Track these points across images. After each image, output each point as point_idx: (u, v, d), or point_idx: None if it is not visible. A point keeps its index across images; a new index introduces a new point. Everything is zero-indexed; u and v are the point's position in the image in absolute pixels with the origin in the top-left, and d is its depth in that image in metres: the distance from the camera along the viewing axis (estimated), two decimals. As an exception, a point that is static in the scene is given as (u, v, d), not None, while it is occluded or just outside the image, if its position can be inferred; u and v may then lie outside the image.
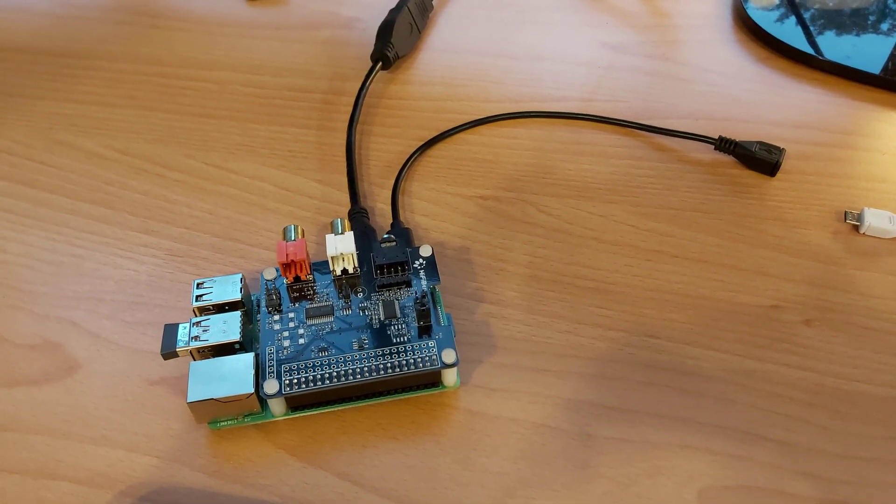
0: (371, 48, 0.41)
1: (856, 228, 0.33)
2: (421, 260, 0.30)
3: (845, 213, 0.33)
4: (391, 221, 0.33)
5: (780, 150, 0.35)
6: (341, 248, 0.28)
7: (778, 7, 0.44)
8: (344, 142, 0.37)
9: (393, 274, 0.29)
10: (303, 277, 0.29)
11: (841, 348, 0.29)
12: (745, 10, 0.44)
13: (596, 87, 0.40)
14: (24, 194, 0.35)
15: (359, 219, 0.33)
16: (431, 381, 0.27)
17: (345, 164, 0.36)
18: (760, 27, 0.42)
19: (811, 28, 0.42)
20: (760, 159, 0.35)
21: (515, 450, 0.26)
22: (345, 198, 0.35)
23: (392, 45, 0.40)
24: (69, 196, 0.35)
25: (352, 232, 0.29)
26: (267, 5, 0.47)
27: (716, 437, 0.26)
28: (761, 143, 0.35)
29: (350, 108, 0.38)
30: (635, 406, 0.27)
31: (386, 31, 0.41)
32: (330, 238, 0.29)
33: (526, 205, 0.34)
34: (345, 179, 0.35)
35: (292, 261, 0.28)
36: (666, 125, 0.37)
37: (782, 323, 0.30)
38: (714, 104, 0.39)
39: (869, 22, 0.42)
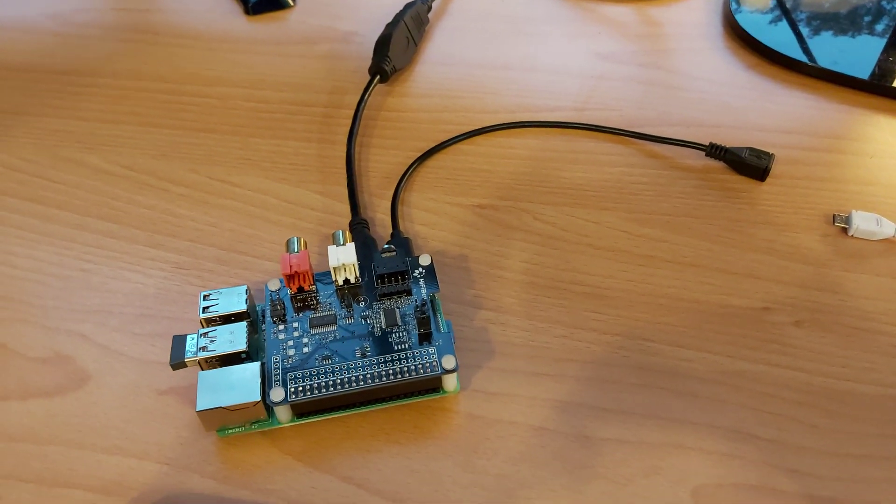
0: (368, 62, 0.42)
1: (844, 231, 0.34)
2: (420, 269, 0.30)
3: (834, 216, 0.34)
4: (391, 231, 0.34)
5: (770, 156, 0.36)
6: (343, 258, 0.29)
7: (767, 13, 0.45)
8: (344, 154, 0.38)
9: (393, 283, 0.30)
10: (306, 288, 0.30)
11: (830, 348, 0.30)
12: (734, 17, 0.45)
13: (589, 97, 0.41)
14: (32, 211, 0.36)
15: (359, 230, 0.34)
16: (432, 386, 0.28)
17: (345, 175, 0.37)
18: (750, 34, 0.43)
19: (800, 34, 0.43)
20: (751, 164, 0.36)
21: (515, 452, 0.27)
22: (346, 209, 0.35)
23: (389, 58, 0.41)
24: (77, 212, 0.36)
25: (353, 243, 0.30)
26: (266, 21, 0.48)
27: (709, 436, 0.27)
28: (751, 149, 0.36)
29: (349, 121, 0.39)
30: (631, 408, 0.28)
31: (383, 45, 0.42)
32: (332, 249, 0.30)
33: (522, 213, 0.35)
34: (345, 191, 0.36)
35: (296, 272, 0.29)
36: (657, 133, 0.38)
37: (772, 324, 0.30)
38: (705, 111, 0.40)
39: (858, 27, 0.43)
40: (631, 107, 0.40)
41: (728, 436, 0.27)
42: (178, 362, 0.27)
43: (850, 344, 0.30)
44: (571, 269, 0.33)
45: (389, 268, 0.30)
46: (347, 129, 0.39)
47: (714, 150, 0.36)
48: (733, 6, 0.45)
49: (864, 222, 0.33)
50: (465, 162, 0.38)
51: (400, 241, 0.33)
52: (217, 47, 0.46)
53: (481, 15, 0.47)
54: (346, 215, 0.35)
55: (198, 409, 0.26)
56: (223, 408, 0.26)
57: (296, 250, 0.30)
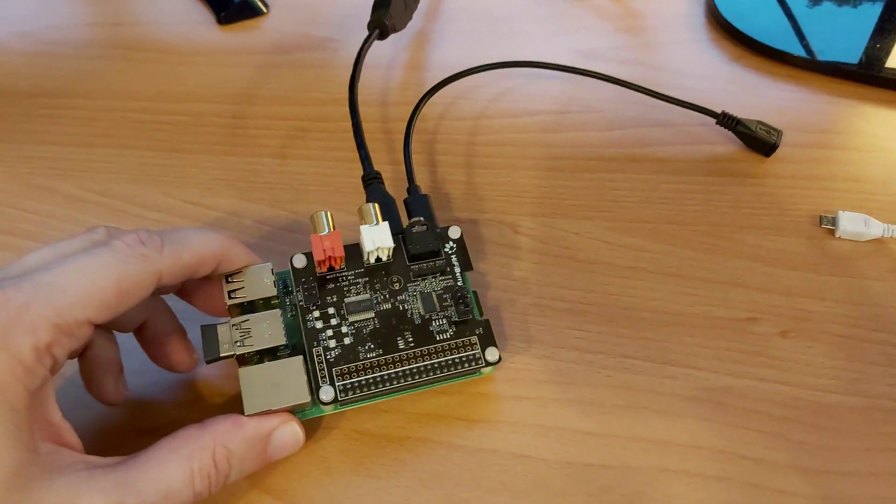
0: (345, 70, 0.41)
1: (831, 233, 0.33)
2: (451, 244, 0.29)
3: (820, 217, 0.33)
4: (407, 187, 0.33)
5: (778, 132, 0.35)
6: (379, 241, 0.27)
7: (751, 2, 0.43)
8: (318, 171, 0.37)
9: (426, 261, 0.29)
10: (336, 268, 0.28)
11: (817, 359, 0.29)
12: (716, 7, 0.43)
13: (569, 99, 0.40)
14: (6, 243, 0.35)
15: (375, 185, 0.32)
16: (472, 372, 0.28)
17: (318, 194, 0.36)
18: (733, 25, 0.42)
19: (785, 23, 0.42)
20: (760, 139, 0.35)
21: (496, 482, 0.26)
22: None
23: (390, 15, 0.39)
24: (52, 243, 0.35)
25: (386, 222, 0.28)
26: (239, 29, 0.47)
27: (693, 458, 0.27)
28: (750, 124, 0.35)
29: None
30: (614, 430, 0.27)
31: (384, 1, 0.40)
32: (365, 230, 0.28)
33: (502, 226, 0.34)
34: (320, 209, 0.35)
35: (329, 256, 0.27)
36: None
37: (758, 336, 0.30)
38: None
39: (844, 15, 0.42)
40: (611, 108, 0.39)
41: (713, 457, 0.27)
42: (213, 358, 0.25)
43: (836, 353, 0.29)
44: (552, 284, 0.32)
45: (423, 247, 0.29)
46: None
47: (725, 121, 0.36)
48: (716, -5, 0.44)
49: (851, 223, 0.32)
50: (446, 174, 0.37)
51: (418, 198, 0.32)
52: (190, 60, 0.45)
53: (460, 16, 0.46)
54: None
55: (247, 413, 0.25)
56: (273, 410, 0.25)
57: (326, 230, 0.27)
